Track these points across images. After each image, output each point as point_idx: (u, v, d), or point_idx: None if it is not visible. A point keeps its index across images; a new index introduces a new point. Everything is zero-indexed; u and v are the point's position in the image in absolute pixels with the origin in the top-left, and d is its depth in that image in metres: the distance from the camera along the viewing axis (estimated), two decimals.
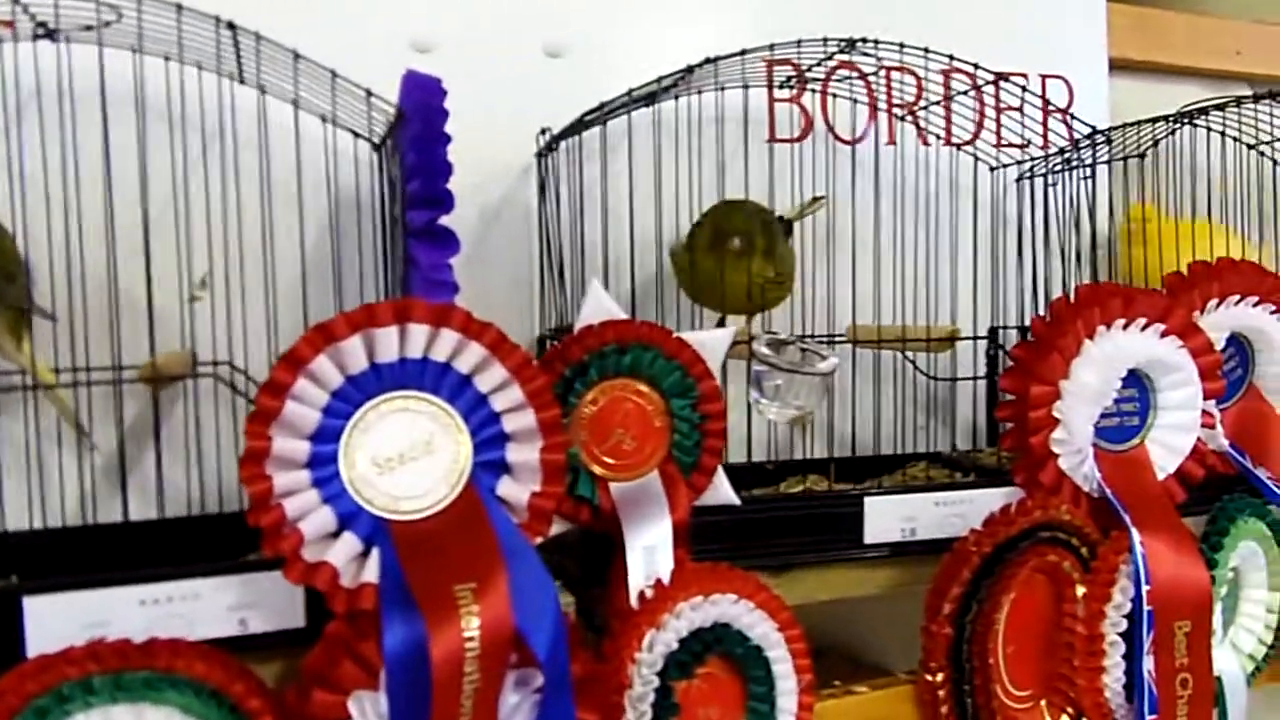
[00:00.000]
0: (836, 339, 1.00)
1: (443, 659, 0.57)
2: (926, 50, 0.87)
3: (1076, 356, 0.83)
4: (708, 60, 0.79)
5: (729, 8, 1.02)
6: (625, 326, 0.74)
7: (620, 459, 0.74)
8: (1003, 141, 1.07)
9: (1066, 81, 1.13)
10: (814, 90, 1.00)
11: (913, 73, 0.98)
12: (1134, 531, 0.80)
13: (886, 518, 0.83)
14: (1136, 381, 0.86)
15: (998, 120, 1.08)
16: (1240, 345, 0.94)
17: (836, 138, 1.03)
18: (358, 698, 0.60)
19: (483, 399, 0.65)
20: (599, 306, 0.75)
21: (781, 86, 0.96)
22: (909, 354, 0.99)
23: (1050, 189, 1.05)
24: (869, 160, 1.03)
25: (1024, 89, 0.95)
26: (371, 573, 0.61)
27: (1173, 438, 0.86)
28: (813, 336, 0.99)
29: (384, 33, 0.88)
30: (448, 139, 0.68)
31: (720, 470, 0.77)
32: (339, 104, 0.74)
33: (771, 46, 0.81)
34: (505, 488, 0.65)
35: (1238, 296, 0.92)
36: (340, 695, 0.60)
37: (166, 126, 0.80)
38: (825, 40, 0.83)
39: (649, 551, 0.72)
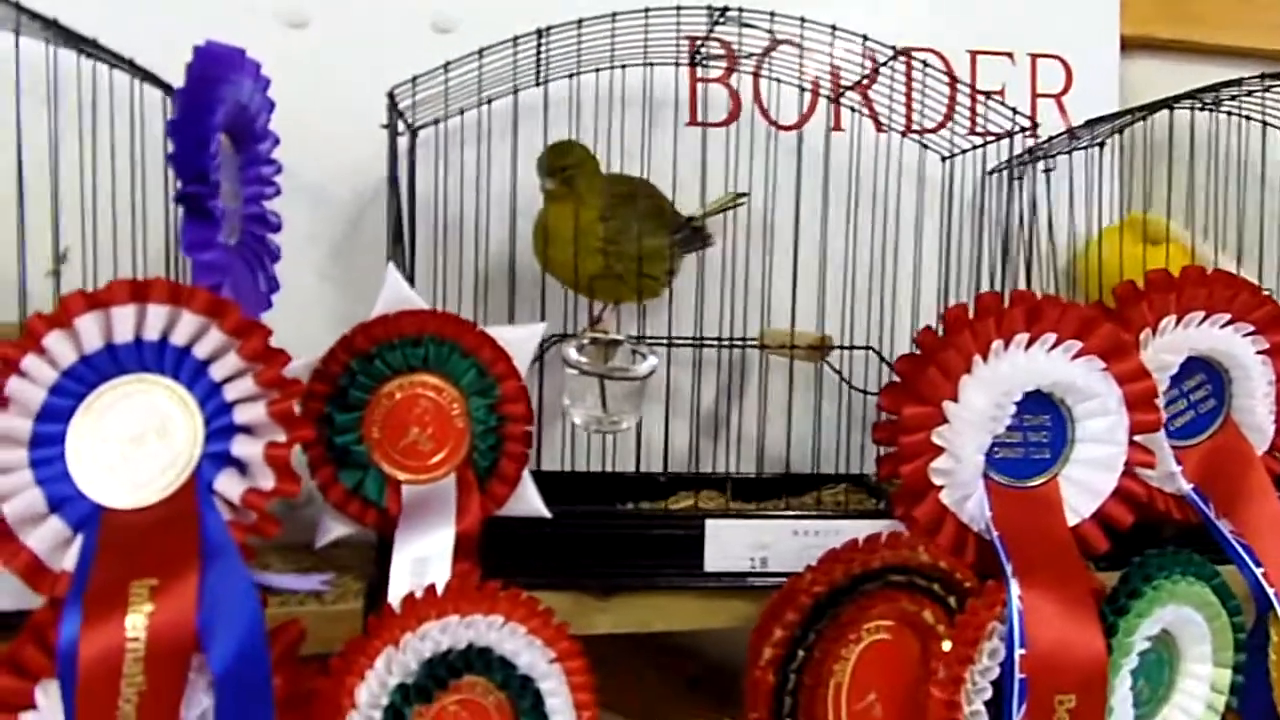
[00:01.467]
0: (749, 343, 0.90)
1: (93, 656, 0.54)
2: (801, 21, 0.76)
3: (966, 374, 0.71)
4: (539, 32, 0.72)
5: None
6: (419, 317, 0.69)
7: (416, 459, 0.69)
8: (977, 129, 0.95)
9: (1064, 62, 0.99)
10: (746, 71, 0.92)
11: (870, 53, 0.87)
12: (1013, 583, 0.68)
13: (732, 544, 0.74)
14: (1051, 408, 0.73)
15: (973, 103, 0.96)
16: (1214, 372, 0.79)
17: (771, 123, 0.94)
18: (44, 686, 0.57)
19: (217, 387, 0.62)
20: (397, 295, 0.69)
21: (696, 63, 0.88)
22: (830, 362, 0.88)
23: (1015, 184, 0.92)
24: (794, 149, 0.93)
25: (924, 69, 0.82)
26: (70, 561, 0.58)
27: (1089, 475, 0.73)
28: (721, 339, 0.90)
29: (253, 6, 0.86)
30: (213, 108, 0.64)
31: (527, 478, 0.71)
32: None
33: (615, 15, 0.73)
34: (224, 482, 0.60)
35: (1202, 314, 0.77)
36: (28, 682, 0.57)
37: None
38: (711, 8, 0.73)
39: (421, 563, 0.67)
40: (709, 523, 0.73)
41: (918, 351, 0.73)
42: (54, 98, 0.74)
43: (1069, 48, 0.99)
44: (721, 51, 0.86)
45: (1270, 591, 0.73)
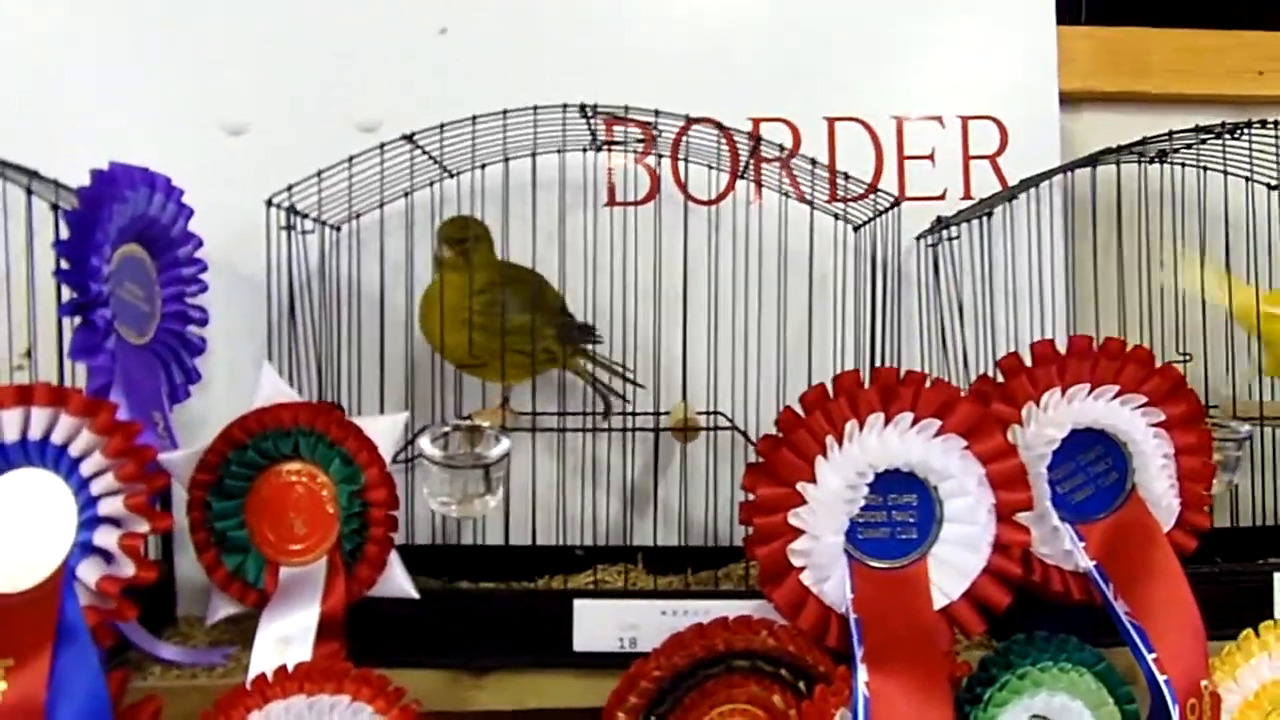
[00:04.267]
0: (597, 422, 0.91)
1: None
2: (657, 111, 0.78)
3: (820, 456, 0.71)
4: (408, 137, 0.77)
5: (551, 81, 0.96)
6: (291, 409, 0.74)
7: (291, 543, 0.74)
8: (908, 195, 0.95)
9: (998, 122, 0.98)
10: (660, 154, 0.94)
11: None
12: (860, 669, 0.67)
13: (600, 623, 0.75)
14: (918, 487, 0.72)
15: (900, 169, 0.96)
16: (1114, 446, 0.76)
17: (689, 198, 0.96)
18: None
19: (85, 482, 0.68)
20: (274, 388, 0.75)
21: (599, 148, 0.91)
22: (747, 436, 0.89)
23: (929, 251, 0.91)
24: (713, 223, 0.95)
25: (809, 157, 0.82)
26: None
27: (956, 555, 0.71)
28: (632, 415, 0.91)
29: (191, 115, 0.93)
30: (97, 228, 0.71)
31: (394, 560, 0.74)
32: None
33: (505, 112, 0.77)
34: (85, 569, 0.66)
35: (1086, 386, 0.74)
36: None
37: None
38: (573, 106, 0.77)
39: (284, 643, 0.71)
40: (576, 603, 0.75)
41: (778, 433, 0.74)
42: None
43: (1002, 108, 0.97)
44: (624, 137, 0.89)
45: (1161, 679, 0.70)
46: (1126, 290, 0.95)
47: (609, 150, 0.92)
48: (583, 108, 0.77)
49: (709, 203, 0.95)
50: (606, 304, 0.93)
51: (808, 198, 0.90)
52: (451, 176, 0.89)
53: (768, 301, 0.92)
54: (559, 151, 0.89)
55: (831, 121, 0.97)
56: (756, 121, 0.96)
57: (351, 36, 0.96)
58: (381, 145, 0.78)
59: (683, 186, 0.96)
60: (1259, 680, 0.73)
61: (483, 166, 0.89)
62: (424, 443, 0.73)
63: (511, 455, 0.80)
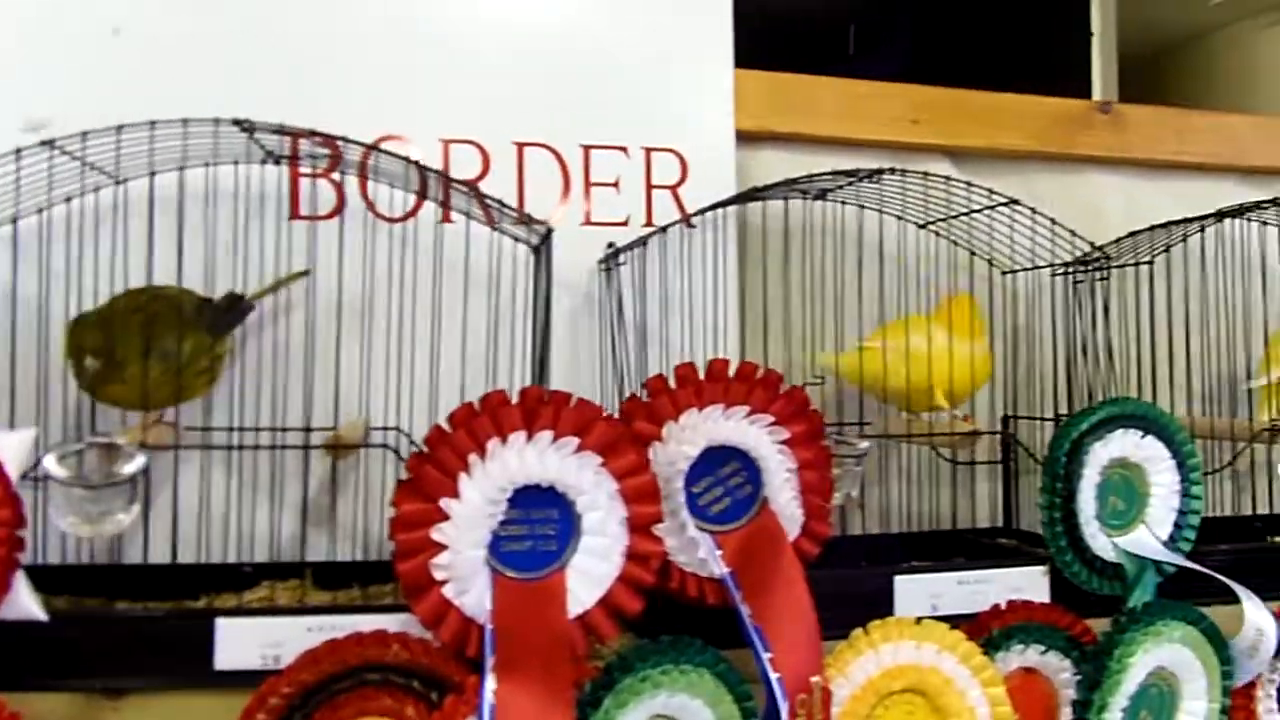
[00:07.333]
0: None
1: None
2: (324, 134, 0.79)
3: (464, 472, 0.73)
4: (48, 143, 0.74)
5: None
6: None
7: None
8: (592, 220, 0.99)
9: (679, 155, 1.03)
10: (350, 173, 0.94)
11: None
12: (489, 678, 0.70)
13: (244, 642, 0.74)
14: (558, 501, 0.76)
15: (587, 195, 1.00)
16: (750, 461, 0.82)
17: (377, 215, 0.97)
18: None
19: None
20: None
21: (276, 161, 0.90)
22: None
23: (606, 273, 0.96)
24: (400, 241, 0.96)
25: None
26: None
27: (592, 565, 0.75)
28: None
29: None
30: None
31: (19, 581, 0.71)
32: None
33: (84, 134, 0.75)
34: None
35: (720, 406, 0.80)
36: None
37: None
38: (225, 120, 0.76)
39: None
40: (219, 621, 0.74)
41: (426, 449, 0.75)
42: None
43: (683, 141, 1.03)
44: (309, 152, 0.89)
45: (773, 676, 0.76)
46: (791, 316, 1.03)
47: (292, 164, 0.92)
48: (237, 122, 0.76)
49: (397, 220, 0.97)
50: (285, 317, 0.93)
51: (495, 221, 0.92)
52: (120, 184, 0.87)
53: (450, 319, 0.94)
54: (207, 165, 0.88)
55: (521, 146, 1.00)
56: (446, 143, 0.98)
57: (20, 31, 0.92)
58: (18, 150, 0.75)
59: (370, 204, 0.96)
60: (866, 674, 0.80)
61: (152, 174, 0.87)
62: (48, 462, 0.70)
63: (184, 471, 0.79)
